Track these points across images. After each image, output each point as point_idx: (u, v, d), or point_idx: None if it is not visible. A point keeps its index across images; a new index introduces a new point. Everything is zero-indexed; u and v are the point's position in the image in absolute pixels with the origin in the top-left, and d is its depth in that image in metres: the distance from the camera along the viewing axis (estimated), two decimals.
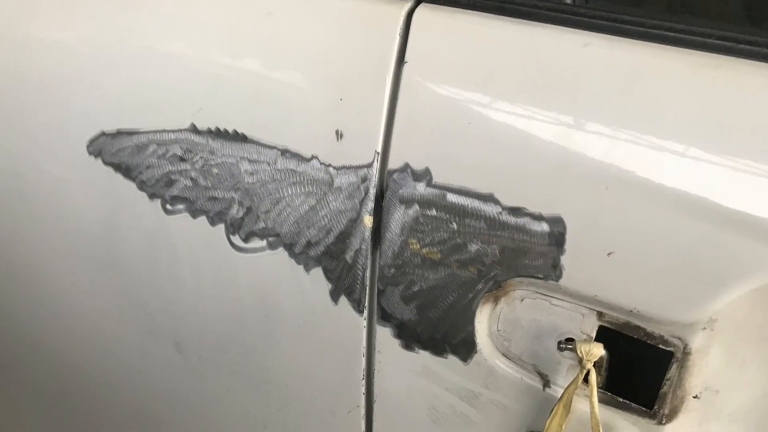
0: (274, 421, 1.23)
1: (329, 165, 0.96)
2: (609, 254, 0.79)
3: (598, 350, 0.82)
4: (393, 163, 0.92)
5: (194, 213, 1.11)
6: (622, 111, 0.79)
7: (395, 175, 0.91)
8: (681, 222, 0.76)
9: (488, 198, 0.85)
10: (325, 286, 1.02)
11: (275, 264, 1.06)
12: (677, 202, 0.75)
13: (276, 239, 1.04)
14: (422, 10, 0.92)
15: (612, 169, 0.78)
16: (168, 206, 1.13)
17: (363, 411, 1.09)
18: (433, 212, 0.89)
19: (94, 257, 1.28)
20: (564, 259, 0.82)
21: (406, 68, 0.90)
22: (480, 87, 0.86)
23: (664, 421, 0.84)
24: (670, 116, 0.76)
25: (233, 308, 1.15)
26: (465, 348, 0.94)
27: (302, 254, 1.02)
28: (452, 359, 0.96)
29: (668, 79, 0.78)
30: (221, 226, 1.09)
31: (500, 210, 0.85)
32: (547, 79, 0.83)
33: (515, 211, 0.84)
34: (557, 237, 0.82)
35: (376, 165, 0.93)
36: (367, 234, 0.96)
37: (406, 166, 0.90)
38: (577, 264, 0.82)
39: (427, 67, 0.90)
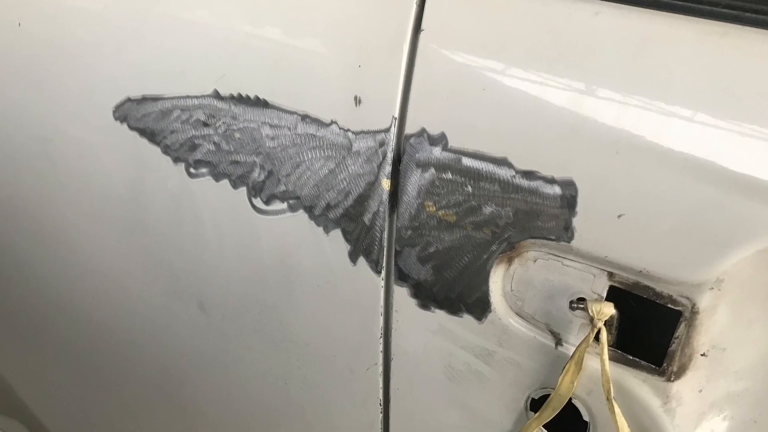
0: (295, 378, 1.25)
1: (348, 130, 0.97)
2: (619, 216, 0.80)
3: (609, 309, 0.84)
4: (410, 128, 0.93)
5: (217, 176, 1.12)
6: (632, 77, 0.79)
7: (412, 140, 0.92)
8: (689, 185, 0.76)
9: (502, 162, 0.86)
10: (344, 248, 1.04)
11: (295, 226, 1.07)
12: (685, 165, 0.76)
13: (296, 202, 1.05)
14: None
15: (622, 133, 0.79)
16: (192, 170, 1.14)
17: (381, 368, 1.11)
18: (449, 176, 0.90)
19: (121, 219, 1.30)
20: (576, 221, 0.84)
21: (422, 36, 0.91)
22: (494, 54, 0.87)
23: (672, 378, 0.85)
24: (678, 82, 0.77)
25: (255, 269, 1.16)
26: (480, 307, 0.95)
27: (322, 216, 1.04)
28: (467, 318, 0.97)
29: (677, 47, 0.78)
30: (243, 189, 1.10)
31: (514, 173, 0.86)
32: (560, 46, 0.83)
33: (528, 174, 0.85)
34: (569, 200, 0.83)
35: (394, 130, 0.94)
36: (385, 197, 0.97)
37: (423, 131, 0.91)
38: (588, 226, 0.83)
39: (443, 34, 0.90)
